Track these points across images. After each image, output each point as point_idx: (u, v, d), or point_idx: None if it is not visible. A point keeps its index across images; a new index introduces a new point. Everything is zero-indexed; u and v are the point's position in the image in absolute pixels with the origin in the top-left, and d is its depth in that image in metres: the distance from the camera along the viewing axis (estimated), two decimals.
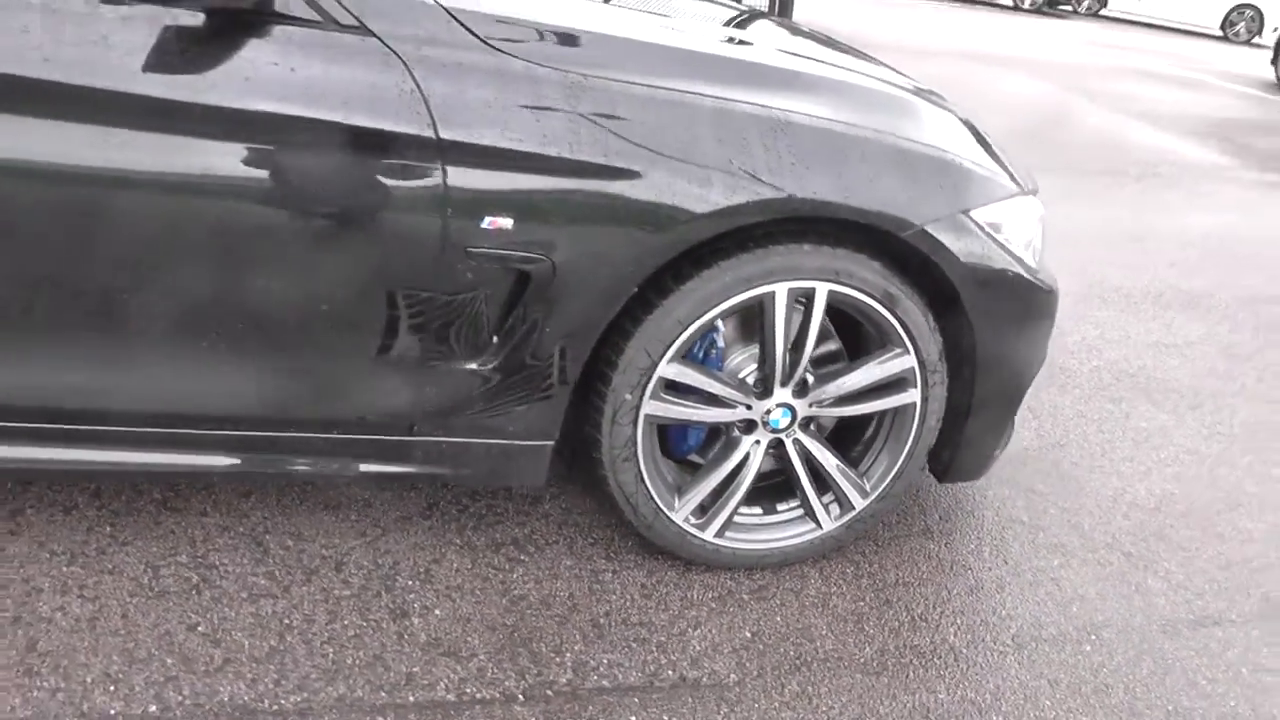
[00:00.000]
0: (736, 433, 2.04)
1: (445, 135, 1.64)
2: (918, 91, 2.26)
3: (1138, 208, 5.77)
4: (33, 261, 1.61)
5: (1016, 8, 18.95)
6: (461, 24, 1.70)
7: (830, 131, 1.88)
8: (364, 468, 1.86)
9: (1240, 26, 19.07)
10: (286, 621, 1.85)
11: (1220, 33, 19.11)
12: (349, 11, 1.64)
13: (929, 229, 1.92)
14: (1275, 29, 18.05)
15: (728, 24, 2.44)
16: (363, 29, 1.65)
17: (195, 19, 1.60)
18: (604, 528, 2.21)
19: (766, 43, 2.26)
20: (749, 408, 2.01)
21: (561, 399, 1.87)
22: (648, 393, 1.90)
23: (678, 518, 2.03)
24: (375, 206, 1.65)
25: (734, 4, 2.88)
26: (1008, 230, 2.07)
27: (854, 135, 1.90)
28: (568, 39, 1.78)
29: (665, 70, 1.81)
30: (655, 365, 1.87)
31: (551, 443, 1.91)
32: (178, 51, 1.60)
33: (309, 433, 1.82)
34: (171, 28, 1.60)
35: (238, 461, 1.81)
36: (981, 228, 2.00)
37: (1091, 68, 11.68)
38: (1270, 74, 12.48)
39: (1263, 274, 4.88)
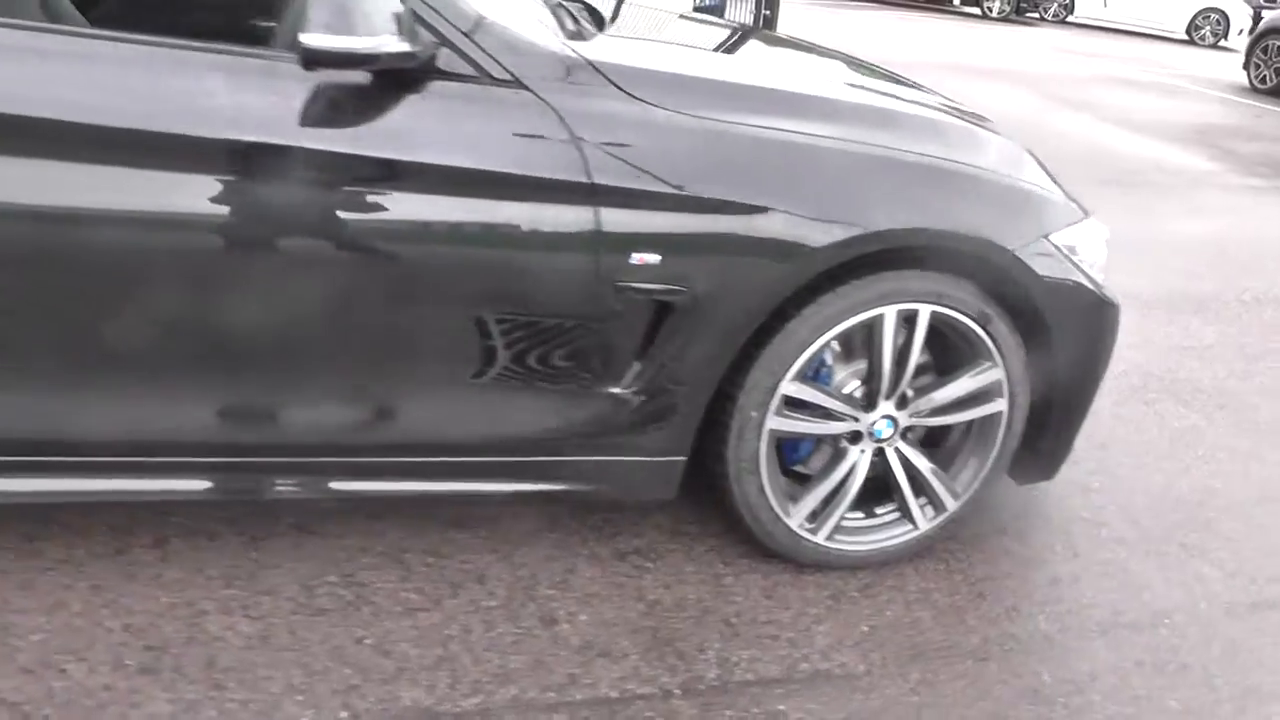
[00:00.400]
0: (844, 443, 2.21)
1: (598, 180, 1.80)
2: (977, 119, 2.46)
3: (1136, 216, 6.01)
4: (241, 304, 1.76)
5: (985, 16, 19.33)
6: (606, 77, 1.86)
7: (931, 167, 2.07)
8: (514, 487, 2.02)
9: (1206, 30, 19.53)
10: (446, 632, 1.99)
11: (1186, 36, 19.56)
12: (503, 67, 1.81)
13: (1018, 253, 2.11)
14: (1241, 31, 18.53)
15: (799, 56, 2.63)
16: (516, 83, 1.81)
17: (364, 77, 1.75)
18: (714, 536, 2.37)
19: (839, 78, 2.44)
20: (856, 420, 2.18)
21: (694, 418, 2.03)
22: (771, 410, 2.06)
23: (793, 524, 2.20)
24: (533, 247, 1.82)
25: (726, 22, 3.08)
26: (1081, 252, 2.26)
27: (950, 170, 2.09)
28: (700, 87, 1.97)
29: (786, 113, 1.99)
30: (778, 384, 2.05)
31: (684, 458, 2.07)
32: (349, 109, 1.75)
33: (465, 457, 1.97)
34: (343, 86, 1.75)
35: (412, 486, 1.97)
36: (1060, 250, 2.19)
37: (1068, 76, 11.99)
38: (1242, 78, 12.84)
39: (1263, 277, 5.12)
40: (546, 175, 1.79)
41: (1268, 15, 14.79)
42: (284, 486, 1.98)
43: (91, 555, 2.11)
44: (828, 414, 2.15)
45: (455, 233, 1.80)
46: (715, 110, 1.91)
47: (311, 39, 1.62)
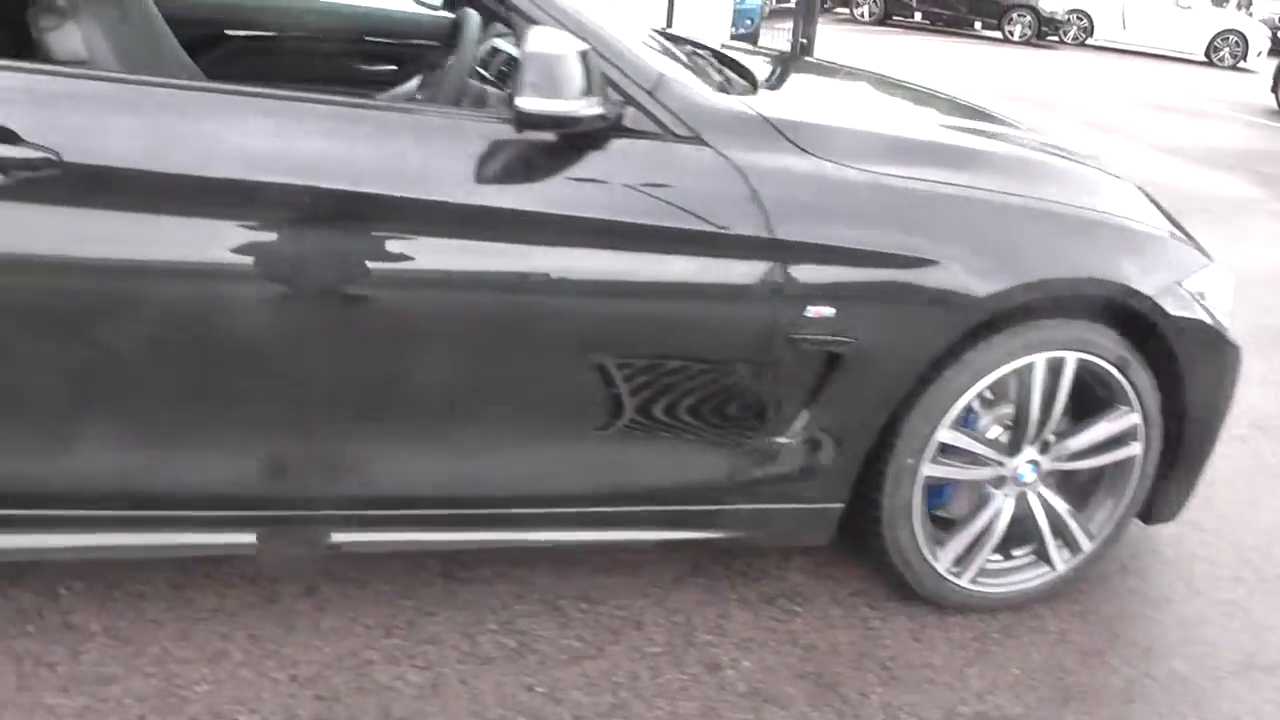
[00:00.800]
0: (989, 488, 2.26)
1: (779, 235, 1.86)
2: (1093, 160, 2.51)
3: None
4: (428, 359, 1.82)
5: (1006, 39, 19.45)
6: (781, 132, 1.92)
7: (1079, 218, 2.13)
8: (675, 535, 2.08)
9: (1225, 51, 19.61)
10: (614, 679, 2.03)
11: (1205, 58, 19.64)
12: (685, 124, 1.87)
13: (1157, 299, 2.16)
14: (1260, 53, 18.61)
15: (918, 98, 2.69)
16: (697, 139, 1.86)
17: (550, 136, 1.80)
18: (856, 578, 2.41)
19: (969, 124, 2.49)
20: (1001, 465, 2.23)
21: (854, 465, 2.08)
22: (926, 457, 2.11)
23: (940, 567, 2.24)
24: (710, 301, 1.88)
25: (832, 62, 3.14)
26: (1210, 296, 2.30)
27: (1095, 219, 2.15)
28: (867, 141, 2.02)
29: (943, 164, 2.05)
30: (934, 431, 2.09)
31: (842, 505, 2.12)
32: (540, 167, 1.81)
33: (629, 506, 2.02)
34: (532, 144, 1.80)
35: (578, 535, 2.02)
36: (1193, 295, 2.24)
37: (1100, 101, 12.06)
38: (1270, 101, 12.88)
39: None
40: (728, 230, 1.84)
41: None
42: (436, 536, 2.03)
43: (244, 604, 2.15)
44: (976, 459, 2.20)
45: (633, 287, 1.86)
46: (882, 163, 1.97)
47: (526, 102, 1.68)
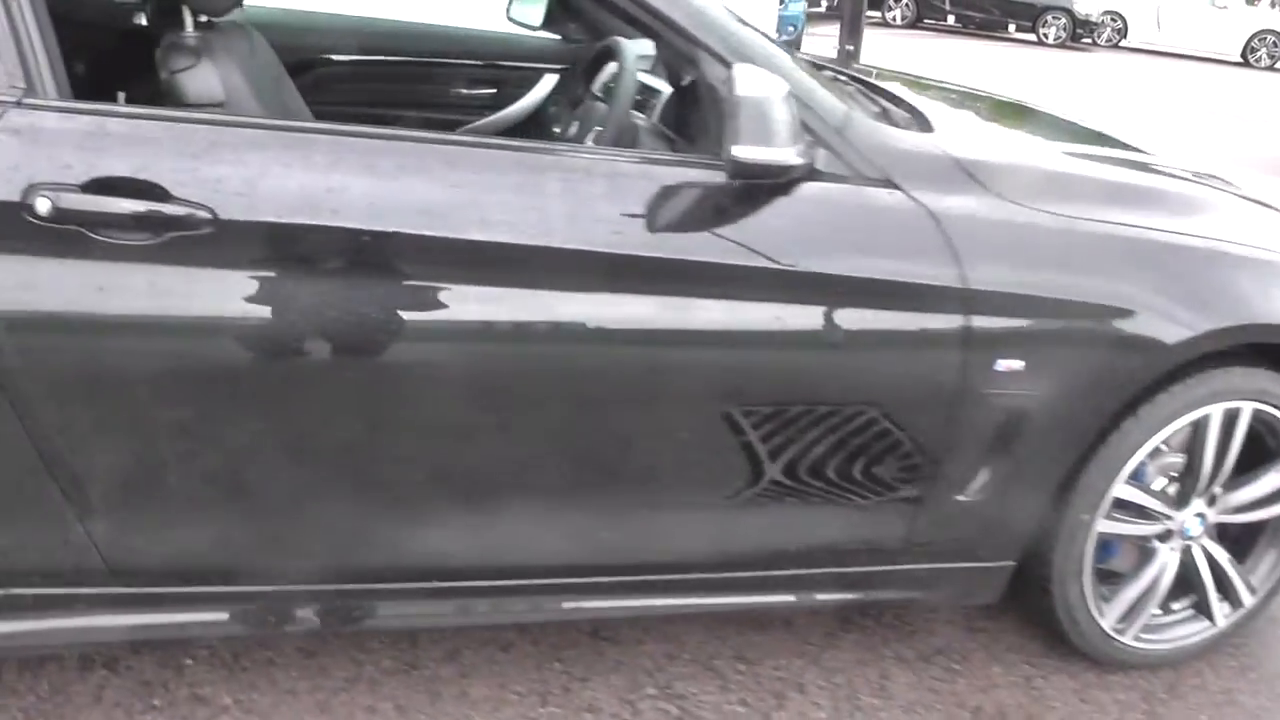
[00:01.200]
0: (1155, 542, 2.17)
1: (972, 284, 1.76)
2: (1232, 185, 2.42)
3: None
4: (616, 419, 1.74)
5: (1040, 42, 19.28)
6: (969, 173, 1.83)
7: (1255, 259, 2.03)
8: (848, 597, 2.00)
9: (1262, 52, 19.40)
10: None
11: (1241, 59, 19.43)
12: (876, 166, 1.77)
13: None
14: None
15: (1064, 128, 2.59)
16: (888, 183, 1.77)
17: (739, 183, 1.69)
18: (1008, 632, 2.32)
19: (1126, 156, 2.39)
20: (1170, 518, 2.14)
21: (1030, 522, 2.00)
22: (1101, 512, 2.02)
23: (1106, 625, 2.15)
24: (902, 355, 1.78)
25: (968, 87, 3.02)
26: None
27: (1267, 259, 2.05)
28: (1052, 181, 1.93)
29: (1125, 204, 1.96)
30: (1111, 486, 2.00)
31: (1014, 563, 2.03)
32: (730, 214, 1.71)
33: (802, 569, 1.94)
34: (726, 191, 1.70)
35: (746, 599, 1.94)
36: None
37: (1153, 107, 11.86)
38: None
39: None
40: (920, 280, 1.75)
41: None
42: (606, 604, 1.96)
43: (382, 672, 2.06)
44: (1144, 513, 2.11)
45: (819, 340, 1.75)
46: (1067, 204, 1.88)
47: (743, 151, 1.58)
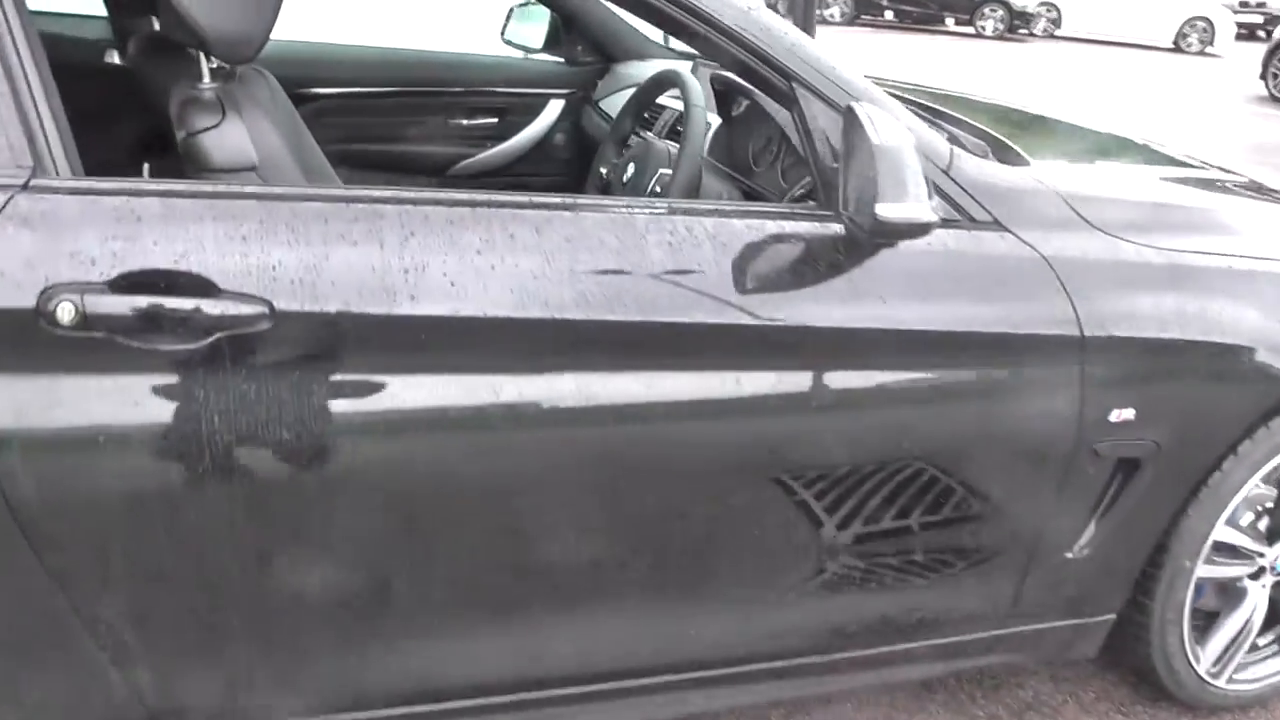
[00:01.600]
0: (1245, 581, 2.08)
1: (1086, 332, 1.64)
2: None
3: None
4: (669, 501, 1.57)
5: (979, 34, 19.45)
6: (1076, 210, 1.70)
7: None
8: (951, 666, 1.88)
9: (1193, 38, 19.77)
10: None
11: (1173, 45, 19.79)
12: (984, 208, 1.63)
13: None
14: (1227, 39, 18.76)
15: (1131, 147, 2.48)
16: (996, 224, 1.63)
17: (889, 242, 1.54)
18: (1089, 678, 2.23)
19: (1206, 179, 2.30)
20: (1262, 555, 2.06)
21: (1134, 573, 1.90)
22: (1202, 557, 1.93)
23: (1201, 669, 2.07)
24: (1015, 413, 1.66)
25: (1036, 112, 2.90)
26: None
27: None
28: (1149, 212, 1.81)
29: (1226, 234, 1.87)
30: (1212, 529, 1.91)
31: (1115, 615, 1.93)
32: (848, 273, 1.55)
33: (904, 644, 1.83)
34: (848, 248, 1.54)
35: (852, 682, 1.83)
36: None
37: (1099, 96, 11.96)
38: (1259, 88, 12.93)
39: None
40: (1036, 331, 1.62)
41: None
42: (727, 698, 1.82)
43: None
44: (1237, 552, 2.02)
45: (928, 401, 1.61)
46: (1173, 237, 1.77)
47: (888, 209, 1.41)
